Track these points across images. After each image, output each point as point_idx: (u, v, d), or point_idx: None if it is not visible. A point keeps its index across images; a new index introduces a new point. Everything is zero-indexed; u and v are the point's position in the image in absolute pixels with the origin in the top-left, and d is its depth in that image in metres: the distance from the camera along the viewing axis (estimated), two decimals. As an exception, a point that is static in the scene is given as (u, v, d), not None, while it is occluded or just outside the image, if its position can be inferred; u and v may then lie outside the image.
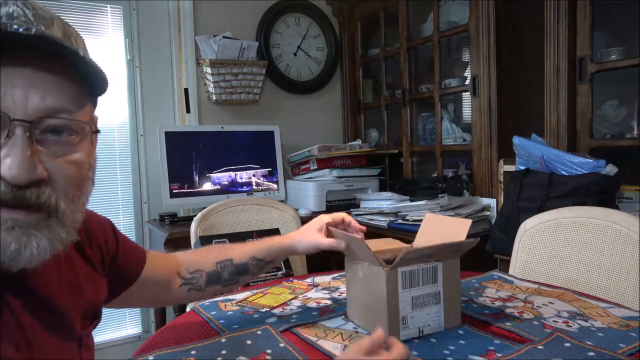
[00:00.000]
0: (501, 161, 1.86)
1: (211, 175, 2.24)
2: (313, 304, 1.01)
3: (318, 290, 1.11)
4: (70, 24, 0.55)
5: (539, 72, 1.75)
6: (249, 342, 0.81)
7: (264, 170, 2.38)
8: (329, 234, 0.95)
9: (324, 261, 1.22)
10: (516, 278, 1.17)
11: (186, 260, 0.91)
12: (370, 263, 0.83)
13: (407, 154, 2.48)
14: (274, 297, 1.06)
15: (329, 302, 1.02)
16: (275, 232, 1.64)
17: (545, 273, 1.24)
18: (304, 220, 1.81)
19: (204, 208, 1.66)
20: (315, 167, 2.42)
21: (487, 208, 1.99)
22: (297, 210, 1.96)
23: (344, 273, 1.05)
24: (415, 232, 1.00)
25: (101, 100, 0.59)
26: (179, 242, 1.87)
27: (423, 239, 0.97)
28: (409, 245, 0.99)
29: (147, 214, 2.37)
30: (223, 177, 2.28)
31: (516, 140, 1.67)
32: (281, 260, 1.00)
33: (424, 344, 0.79)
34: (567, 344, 0.75)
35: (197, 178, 2.20)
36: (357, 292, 0.89)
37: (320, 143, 2.43)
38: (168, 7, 2.38)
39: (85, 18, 2.21)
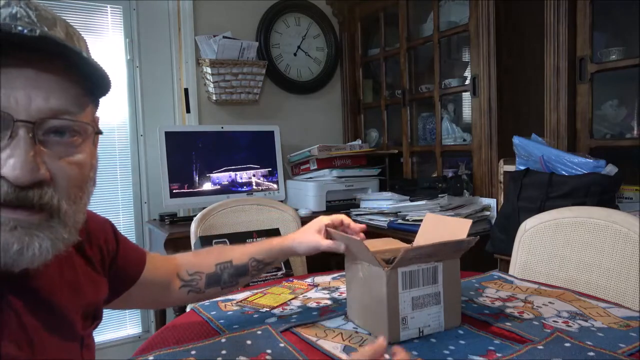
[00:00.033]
0: (501, 161, 1.87)
1: (211, 175, 2.24)
2: (313, 304, 1.01)
3: (318, 290, 1.11)
4: (71, 24, 0.55)
5: (539, 72, 1.75)
6: (249, 342, 0.81)
7: (264, 170, 2.38)
8: (328, 236, 0.95)
9: (324, 261, 1.22)
10: (516, 278, 1.17)
11: (186, 262, 0.91)
12: (370, 263, 0.83)
13: (407, 154, 2.48)
14: (274, 297, 1.06)
15: (329, 302, 1.02)
16: (275, 232, 1.64)
17: (545, 273, 1.24)
18: (304, 220, 1.81)
19: (204, 208, 1.66)
20: (315, 167, 2.42)
21: (487, 208, 1.99)
22: (297, 210, 1.96)
23: (344, 273, 1.05)
24: (415, 232, 1.00)
25: (101, 100, 0.59)
26: (179, 242, 1.87)
27: (423, 239, 0.96)
28: (409, 245, 0.99)
29: (147, 214, 2.37)
30: (223, 177, 2.28)
31: (516, 140, 1.67)
32: (281, 262, 1.00)
33: (424, 344, 0.79)
34: (567, 344, 0.75)
35: (197, 178, 2.20)
36: (357, 292, 0.89)
37: (320, 143, 2.43)
38: (168, 7, 2.38)
39: (85, 18, 2.21)
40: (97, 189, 0.58)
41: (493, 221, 1.87)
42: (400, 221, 2.00)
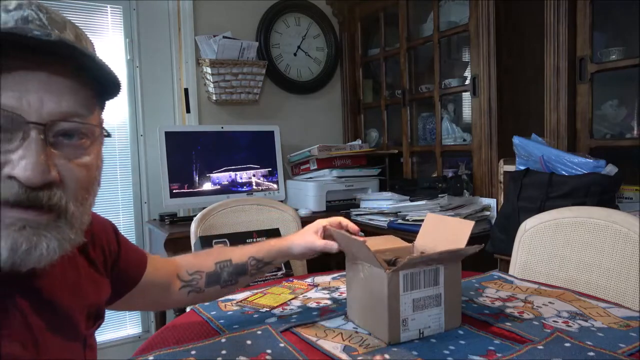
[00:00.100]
0: (501, 161, 1.87)
1: (211, 175, 2.24)
2: (313, 304, 1.01)
3: (318, 290, 1.11)
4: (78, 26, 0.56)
5: (539, 72, 1.75)
6: (249, 342, 0.81)
7: (264, 170, 2.38)
8: (327, 236, 0.95)
9: (324, 261, 1.22)
10: (516, 278, 1.17)
11: (185, 263, 0.91)
12: (372, 265, 0.83)
13: (407, 154, 2.48)
14: (274, 297, 1.06)
15: (329, 302, 1.02)
16: (275, 232, 1.64)
17: (545, 273, 1.24)
18: (304, 220, 1.81)
19: (204, 208, 1.66)
20: (315, 167, 2.42)
21: (487, 208, 1.99)
22: (297, 210, 1.96)
23: (344, 273, 1.05)
24: (416, 232, 1.00)
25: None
26: (179, 242, 1.87)
27: (424, 240, 0.97)
28: (410, 244, 0.99)
29: (147, 214, 2.37)
30: (223, 177, 2.28)
31: (516, 140, 1.67)
32: (280, 263, 1.01)
33: (424, 344, 0.79)
34: (567, 344, 0.76)
35: (197, 178, 2.20)
36: (357, 292, 0.89)
37: (320, 143, 2.43)
38: (168, 7, 2.38)
39: (85, 18, 2.21)
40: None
41: (493, 221, 1.87)
42: (400, 221, 2.00)
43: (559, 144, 1.69)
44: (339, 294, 1.08)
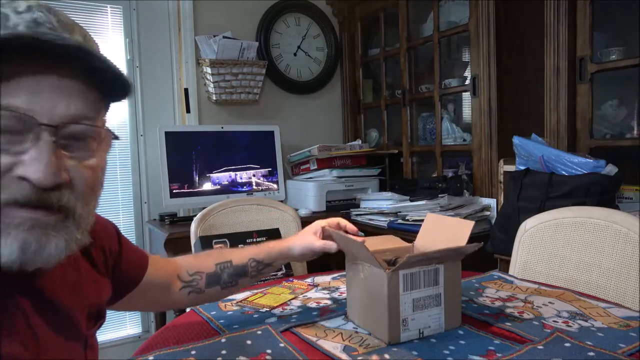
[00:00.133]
0: (501, 161, 1.87)
1: (211, 175, 2.24)
2: (313, 304, 1.01)
3: (318, 290, 1.11)
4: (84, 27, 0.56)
5: (539, 72, 1.75)
6: (249, 342, 0.81)
7: (264, 170, 2.38)
8: (326, 237, 0.96)
9: (324, 261, 1.22)
10: (516, 278, 1.17)
11: (186, 263, 0.91)
12: (371, 265, 0.83)
13: (407, 154, 2.48)
14: (274, 297, 1.06)
15: (329, 302, 1.02)
16: (275, 232, 1.64)
17: (545, 273, 1.24)
18: (304, 220, 1.81)
19: (204, 208, 1.66)
20: (315, 167, 2.42)
21: (487, 208, 1.99)
22: (297, 210, 1.96)
23: (344, 273, 1.05)
24: (416, 232, 1.00)
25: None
26: (179, 242, 1.87)
27: (424, 240, 0.97)
28: (409, 244, 0.99)
29: (147, 214, 2.37)
30: (223, 177, 2.28)
31: (516, 140, 1.67)
32: (280, 265, 1.01)
33: (424, 344, 0.79)
34: (567, 344, 0.76)
35: (197, 178, 2.20)
36: (357, 292, 0.89)
37: (320, 143, 2.43)
38: (168, 7, 2.38)
39: (85, 18, 2.21)
40: (97, 189, 0.58)
41: (493, 221, 1.87)
42: (400, 221, 2.00)
43: (559, 144, 1.69)
44: (339, 294, 1.08)
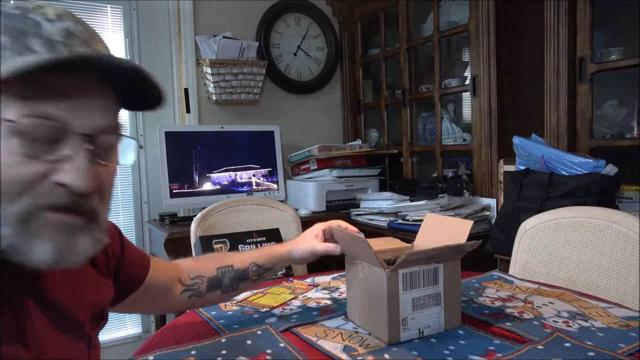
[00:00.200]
0: (501, 161, 1.86)
1: (211, 175, 2.24)
2: (313, 304, 1.01)
3: (318, 290, 1.11)
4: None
5: (539, 72, 1.75)
6: (249, 342, 0.81)
7: (264, 170, 2.38)
8: (327, 239, 0.96)
9: (324, 261, 1.23)
10: (516, 278, 1.17)
11: (187, 267, 0.91)
12: (371, 264, 0.83)
13: (407, 154, 2.48)
14: (274, 297, 1.06)
15: (329, 302, 1.02)
16: (275, 232, 1.64)
17: (545, 273, 1.24)
18: (304, 220, 1.81)
19: (204, 208, 1.66)
20: (315, 167, 2.42)
21: (487, 208, 1.99)
22: (297, 210, 1.96)
23: (344, 273, 1.05)
24: (415, 232, 1.00)
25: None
26: (179, 242, 1.87)
27: (424, 239, 0.97)
28: (409, 245, 0.99)
29: (147, 214, 2.37)
30: (223, 177, 2.28)
31: (516, 140, 1.67)
32: (281, 268, 1.01)
33: (424, 344, 0.79)
34: (567, 344, 0.76)
35: (197, 178, 2.20)
36: (357, 292, 0.89)
37: (320, 143, 2.43)
38: (168, 7, 2.38)
39: (85, 18, 2.17)
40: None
41: (493, 221, 1.87)
42: (400, 221, 2.00)
43: (559, 144, 1.69)
44: (339, 294, 1.08)
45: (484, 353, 0.75)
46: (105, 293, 0.70)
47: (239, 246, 1.55)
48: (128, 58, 2.31)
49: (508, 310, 0.93)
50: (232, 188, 2.29)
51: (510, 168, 1.77)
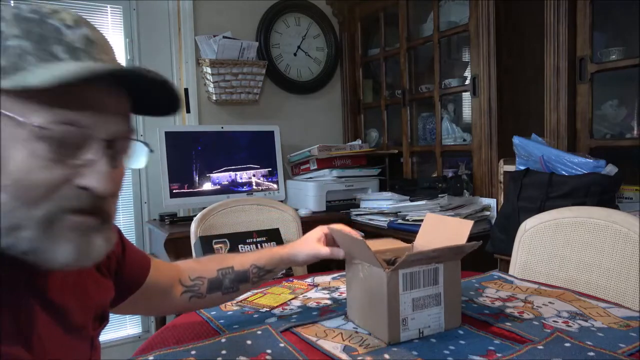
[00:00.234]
0: (501, 161, 1.86)
1: (211, 175, 2.24)
2: (313, 304, 1.01)
3: (318, 290, 1.11)
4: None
5: (539, 72, 1.75)
6: (249, 342, 0.81)
7: (264, 170, 2.38)
8: (329, 242, 0.95)
9: (324, 261, 1.23)
10: (516, 278, 1.17)
11: (187, 268, 0.91)
12: (371, 264, 0.83)
13: (407, 154, 2.48)
14: (274, 297, 1.06)
15: (329, 302, 1.02)
16: (275, 232, 1.64)
17: (545, 273, 1.24)
18: (304, 220, 1.81)
19: (204, 208, 1.66)
20: (315, 167, 2.42)
21: (487, 208, 1.99)
22: (297, 210, 1.96)
23: (344, 273, 1.05)
24: (415, 232, 1.00)
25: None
26: (179, 242, 1.87)
27: (424, 240, 0.97)
28: (409, 245, 0.99)
29: (147, 214, 2.37)
30: (223, 177, 2.28)
31: (516, 140, 1.67)
32: (282, 270, 1.01)
33: (424, 344, 0.79)
34: (567, 344, 0.76)
35: (197, 178, 2.20)
36: (357, 292, 0.89)
37: (320, 143, 2.43)
38: (168, 7, 2.38)
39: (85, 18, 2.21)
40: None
41: (493, 221, 1.87)
42: (400, 221, 2.00)
43: (559, 144, 1.68)
44: (339, 294, 1.08)
45: (484, 353, 0.75)
46: (106, 294, 0.70)
47: (239, 246, 1.55)
48: (128, 58, 2.31)
49: (508, 310, 0.93)
50: (232, 188, 2.29)
51: (510, 168, 1.77)
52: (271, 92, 2.66)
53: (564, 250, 1.22)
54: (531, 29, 1.92)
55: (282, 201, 2.04)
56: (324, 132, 2.81)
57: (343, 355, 0.76)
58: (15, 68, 0.47)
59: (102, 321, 0.68)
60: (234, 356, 0.76)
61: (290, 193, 2.45)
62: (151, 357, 0.76)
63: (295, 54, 2.71)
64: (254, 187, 2.35)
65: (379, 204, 2.15)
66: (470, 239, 0.85)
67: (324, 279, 1.21)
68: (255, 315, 0.96)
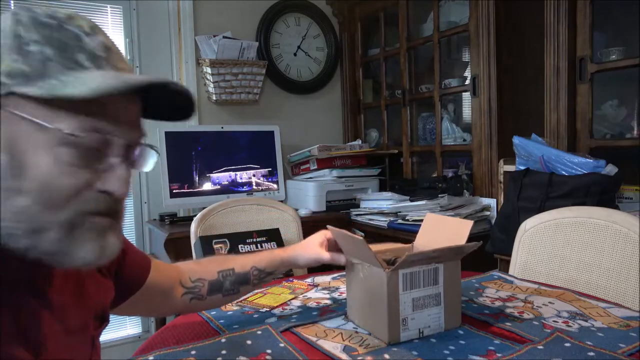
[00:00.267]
0: (501, 161, 1.86)
1: (211, 175, 2.24)
2: (313, 304, 1.01)
3: (318, 290, 1.11)
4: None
5: (539, 72, 1.75)
6: (249, 342, 0.81)
7: (264, 170, 2.38)
8: (331, 247, 0.96)
9: (324, 262, 1.24)
10: (516, 278, 1.17)
11: (188, 269, 0.91)
12: (371, 264, 0.83)
13: (407, 154, 2.48)
14: (274, 297, 1.06)
15: (329, 302, 1.02)
16: (275, 232, 1.64)
17: (545, 273, 1.24)
18: (304, 220, 1.81)
19: (204, 208, 1.66)
20: (315, 167, 2.42)
21: (487, 208, 1.99)
22: (297, 210, 1.96)
23: (344, 273, 1.05)
24: (415, 232, 1.00)
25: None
26: (179, 242, 1.87)
27: (424, 240, 0.97)
28: (409, 245, 0.99)
29: (147, 214, 2.37)
30: (223, 177, 2.28)
31: (516, 140, 1.67)
32: (282, 272, 1.01)
33: (424, 344, 0.79)
34: (567, 344, 0.76)
35: (197, 178, 2.20)
36: (357, 292, 0.89)
37: (320, 143, 2.43)
38: (168, 7, 2.38)
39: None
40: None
41: (493, 221, 1.87)
42: (400, 221, 2.00)
43: (559, 144, 1.69)
44: (339, 294, 1.08)
45: (484, 353, 0.75)
46: (106, 294, 0.70)
47: (239, 246, 1.55)
48: (128, 58, 2.31)
49: (508, 310, 0.93)
50: (232, 188, 2.29)
51: (510, 168, 1.77)
52: (271, 92, 2.66)
53: (564, 250, 1.22)
54: (531, 29, 1.92)
55: (282, 201, 2.04)
56: (324, 132, 2.82)
57: (343, 355, 0.76)
58: (40, 75, 0.47)
59: (103, 321, 0.68)
60: (234, 356, 0.76)
61: (290, 193, 2.45)
62: (151, 357, 0.76)
63: (295, 54, 2.71)
64: (254, 187, 2.35)
65: (379, 204, 2.15)
66: (470, 239, 0.85)
67: (324, 279, 1.21)
68: (255, 315, 0.96)
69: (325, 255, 0.94)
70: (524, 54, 2.01)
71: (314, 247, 0.95)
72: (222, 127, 2.32)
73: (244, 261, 0.94)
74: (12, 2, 2.07)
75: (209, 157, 2.24)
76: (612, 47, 1.66)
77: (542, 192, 1.55)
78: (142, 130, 0.56)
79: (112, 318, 0.71)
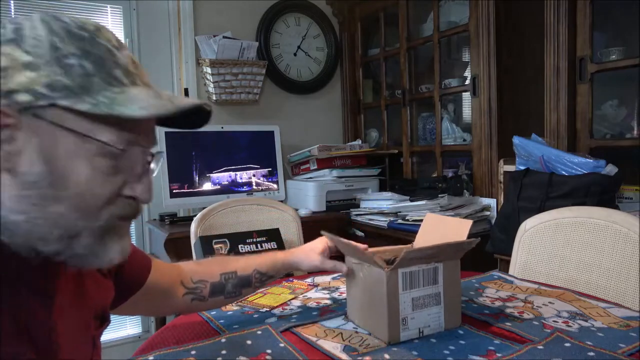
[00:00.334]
0: (501, 161, 1.86)
1: (211, 175, 2.24)
2: (313, 304, 1.01)
3: (318, 290, 1.11)
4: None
5: (539, 72, 1.75)
6: (249, 342, 0.81)
7: (264, 170, 2.38)
8: (332, 253, 0.96)
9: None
10: (516, 278, 1.17)
11: (190, 270, 0.91)
12: (371, 264, 0.83)
13: (407, 154, 2.48)
14: (274, 297, 1.06)
15: (329, 302, 1.02)
16: (275, 232, 1.64)
17: (545, 273, 1.24)
18: (304, 221, 1.81)
19: (204, 208, 1.66)
20: (315, 167, 2.42)
21: (487, 208, 1.99)
22: (297, 210, 1.96)
23: (344, 273, 1.05)
24: (415, 232, 1.00)
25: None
26: (179, 242, 1.87)
27: (423, 239, 0.97)
28: (409, 245, 0.99)
29: (147, 214, 2.36)
30: (223, 177, 2.28)
31: (516, 140, 1.67)
32: (283, 274, 1.01)
33: (424, 344, 0.79)
34: (567, 344, 0.76)
35: (197, 178, 2.20)
36: (357, 292, 0.89)
37: (320, 143, 2.43)
38: (168, 7, 2.38)
39: (85, 18, 2.21)
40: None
41: (493, 221, 1.87)
42: (400, 221, 2.00)
43: (559, 144, 1.68)
44: (339, 294, 1.08)
45: (484, 353, 0.75)
46: (106, 293, 0.70)
47: (239, 246, 1.55)
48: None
49: (508, 310, 0.93)
50: (232, 188, 2.29)
51: (510, 168, 1.77)
52: (271, 92, 2.66)
53: (564, 250, 1.22)
54: (531, 29, 1.92)
55: (282, 201, 2.04)
56: (324, 132, 2.82)
57: (343, 355, 0.76)
58: (83, 89, 0.49)
59: (103, 321, 0.68)
60: (234, 356, 0.76)
61: (290, 193, 2.45)
62: (151, 357, 0.76)
63: (295, 54, 2.71)
64: (254, 187, 2.35)
65: (379, 204, 2.15)
66: (470, 238, 0.85)
67: (324, 279, 1.21)
68: (255, 315, 0.96)
69: (327, 265, 0.95)
70: (524, 54, 2.01)
71: (316, 255, 0.97)
72: (222, 127, 2.32)
73: (246, 264, 0.94)
74: (12, 2, 2.07)
75: (209, 157, 2.24)
76: (612, 47, 1.66)
77: (542, 192, 1.55)
78: (156, 137, 0.59)
79: (112, 318, 0.71)
